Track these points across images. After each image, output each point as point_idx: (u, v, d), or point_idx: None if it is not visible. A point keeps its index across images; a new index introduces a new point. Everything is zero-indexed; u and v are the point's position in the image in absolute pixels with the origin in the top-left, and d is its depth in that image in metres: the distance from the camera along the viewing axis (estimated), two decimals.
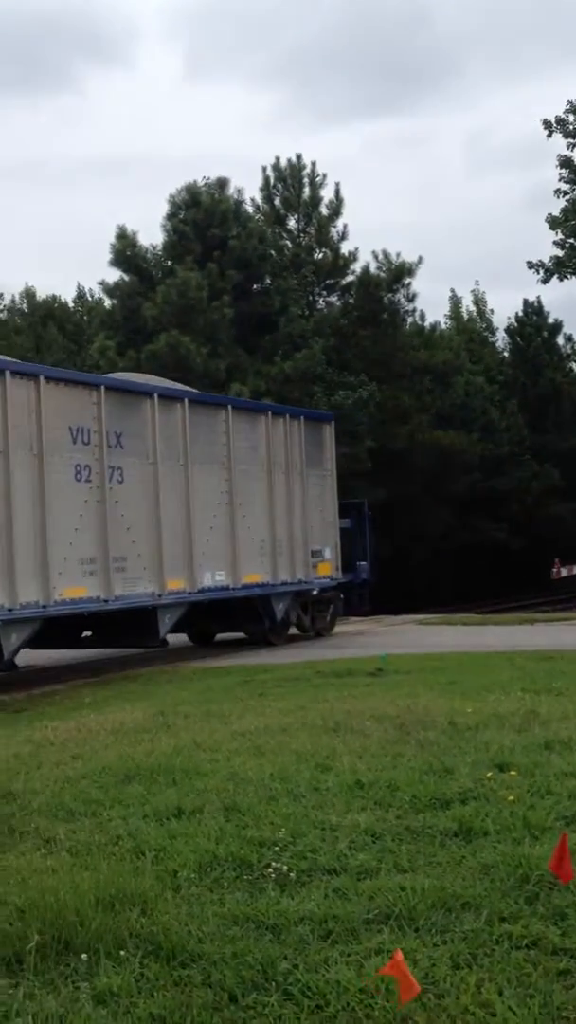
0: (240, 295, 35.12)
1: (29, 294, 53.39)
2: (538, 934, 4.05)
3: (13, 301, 56.59)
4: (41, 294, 52.05)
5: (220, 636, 20.61)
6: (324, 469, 21.35)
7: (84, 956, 3.96)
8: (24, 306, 53.08)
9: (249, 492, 18.54)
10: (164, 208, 36.99)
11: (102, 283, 37.00)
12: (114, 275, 36.59)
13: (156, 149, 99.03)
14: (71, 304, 52.12)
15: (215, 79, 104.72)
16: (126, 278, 36.35)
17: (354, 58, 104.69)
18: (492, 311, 54.80)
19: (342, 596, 22.10)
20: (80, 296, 52.26)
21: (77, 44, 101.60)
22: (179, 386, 19.85)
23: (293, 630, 20.46)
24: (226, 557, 17.70)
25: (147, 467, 16.01)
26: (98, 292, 42.81)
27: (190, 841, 5.39)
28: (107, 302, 38.34)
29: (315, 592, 20.64)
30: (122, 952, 4.01)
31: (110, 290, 36.74)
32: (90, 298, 50.07)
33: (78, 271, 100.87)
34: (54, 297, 52.06)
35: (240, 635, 20.02)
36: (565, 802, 5.83)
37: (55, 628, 15.05)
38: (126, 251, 36.03)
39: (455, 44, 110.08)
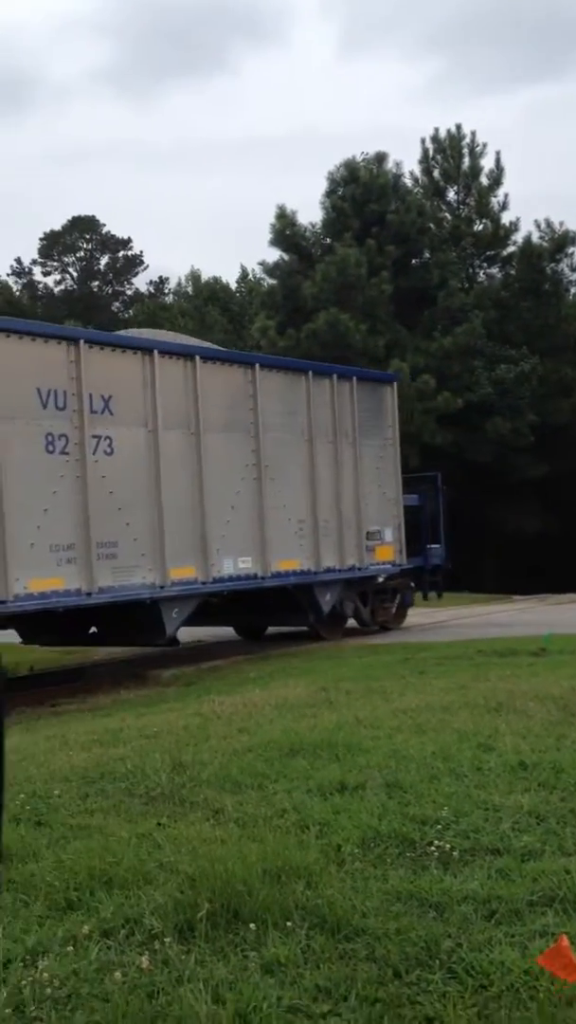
0: (399, 270, 34.87)
1: (194, 277, 54.36)
2: None
3: (179, 284, 57.76)
4: (205, 276, 52.94)
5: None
6: (384, 438, 18.54)
7: (252, 926, 4.05)
8: (189, 289, 54.10)
9: (284, 465, 16.04)
10: (322, 186, 37.07)
11: (262, 263, 37.35)
12: (274, 255, 36.91)
13: (313, 127, 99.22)
14: (233, 285, 52.78)
15: (370, 53, 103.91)
16: (286, 257, 36.57)
17: (510, 22, 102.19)
18: None
19: (412, 584, 19.69)
20: (243, 277, 52.88)
21: (235, 26, 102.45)
22: (194, 341, 18.12)
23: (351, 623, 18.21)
24: (253, 541, 15.23)
25: (143, 436, 13.61)
26: (258, 272, 43.24)
27: (353, 817, 5.45)
28: (267, 282, 38.63)
29: (381, 579, 18.33)
30: (288, 923, 4.09)
31: (270, 270, 37.04)
32: (252, 278, 50.60)
33: (239, 252, 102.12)
34: (215, 279, 52.86)
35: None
36: None
37: (34, 625, 14.11)
38: (285, 230, 36.22)
39: None
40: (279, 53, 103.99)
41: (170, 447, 13.87)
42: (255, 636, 18.49)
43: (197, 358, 14.59)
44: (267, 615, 17.63)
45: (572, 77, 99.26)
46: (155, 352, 13.97)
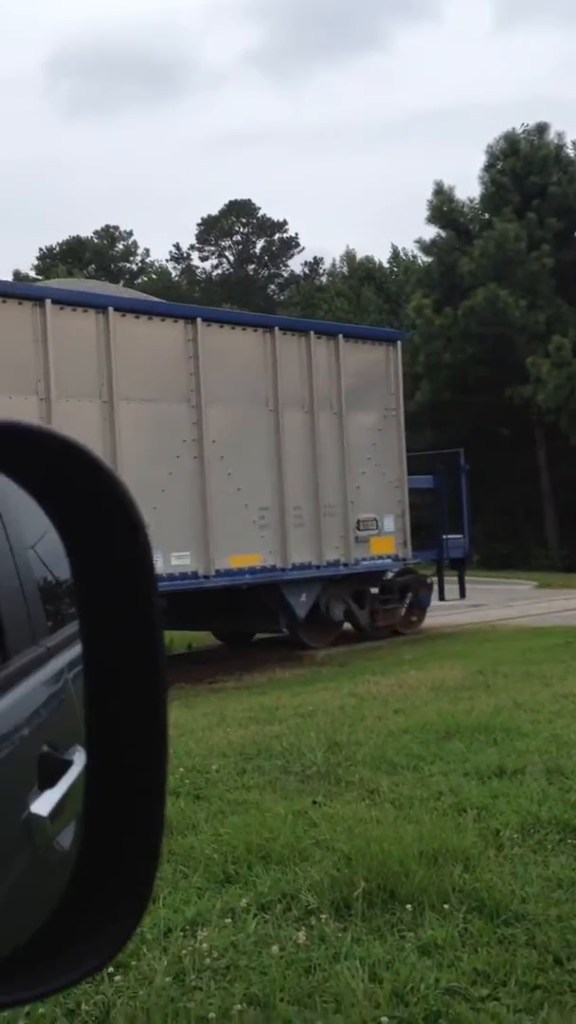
0: (561, 243, 33.93)
1: (349, 257, 54.35)
2: None
3: (333, 265, 57.84)
4: (359, 256, 52.87)
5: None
6: (384, 408, 15.35)
7: (408, 907, 4.01)
8: (344, 269, 54.13)
9: (239, 441, 13.18)
10: (480, 160, 36.40)
11: (418, 241, 36.94)
12: (430, 232, 36.48)
13: (469, 101, 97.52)
14: (386, 264, 52.54)
15: (528, 23, 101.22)
16: (443, 234, 36.08)
17: None
18: None
19: (430, 581, 16.38)
20: (395, 256, 52.57)
21: (386, 3, 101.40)
22: (112, 289, 15.61)
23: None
24: (192, 532, 12.44)
25: (35, 405, 11.30)
26: (412, 251, 42.84)
27: (512, 801, 5.32)
28: (422, 259, 38.19)
29: (390, 575, 15.42)
30: (445, 906, 4.02)
31: (427, 247, 36.61)
32: (404, 257, 50.22)
33: (393, 231, 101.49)
34: (368, 258, 52.70)
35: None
36: None
37: None
38: (443, 206, 35.75)
39: None
40: (432, 28, 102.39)
41: (75, 418, 11.21)
42: (238, 642, 15.80)
43: (111, 310, 12.02)
44: (234, 618, 14.71)
45: None
46: (48, 302, 11.52)
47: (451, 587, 16.73)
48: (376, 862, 4.34)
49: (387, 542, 15.00)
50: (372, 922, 3.94)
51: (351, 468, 14.43)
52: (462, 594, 17.13)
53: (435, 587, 16.36)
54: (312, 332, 14.43)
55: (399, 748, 6.65)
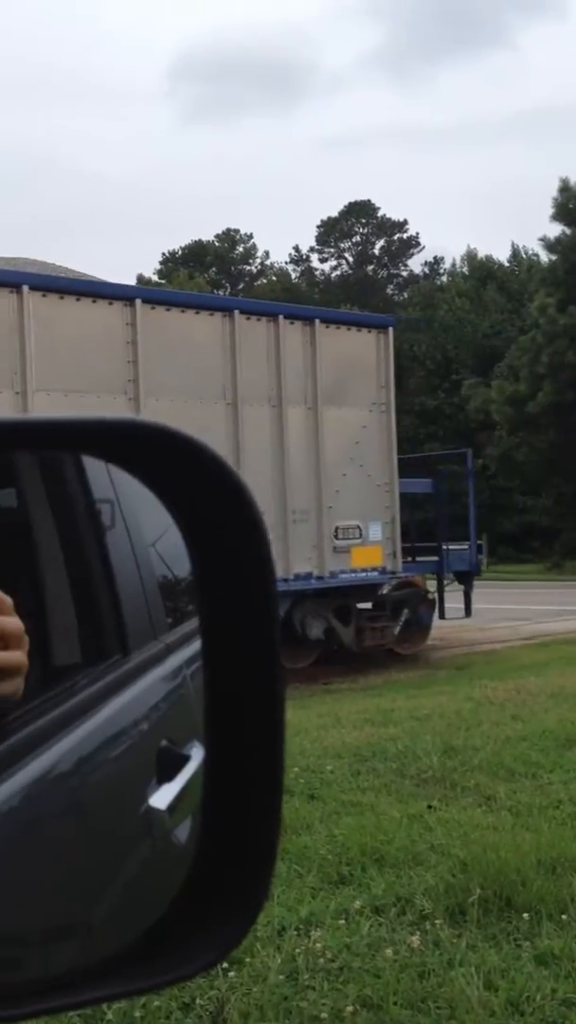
0: None
1: (470, 256, 53.80)
2: None
3: (454, 265, 57.35)
4: (480, 255, 52.32)
5: None
6: (371, 403, 13.63)
7: (525, 915, 3.94)
8: (465, 269, 53.62)
9: None
10: None
11: (543, 239, 36.30)
12: (555, 230, 35.78)
13: None
14: (506, 263, 51.89)
15: None
16: (568, 231, 35.39)
17: None
18: None
19: (431, 595, 14.58)
20: (515, 255, 51.83)
21: (508, 0, 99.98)
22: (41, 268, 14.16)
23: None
24: None
25: None
26: (533, 249, 42.15)
27: None
28: (546, 258, 37.51)
29: (385, 589, 13.76)
30: (564, 916, 3.95)
31: (551, 245, 35.95)
32: (524, 256, 49.48)
33: (516, 230, 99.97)
34: (489, 257, 52.08)
35: None
36: None
37: None
38: (568, 203, 35.05)
39: None
40: (557, 25, 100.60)
41: None
42: None
43: (25, 289, 10.77)
44: None
45: None
46: None
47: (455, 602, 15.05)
48: (492, 869, 4.28)
49: (372, 552, 13.26)
50: (488, 929, 3.88)
51: (327, 469, 12.85)
52: (467, 612, 15.15)
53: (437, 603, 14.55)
54: (282, 316, 12.88)
55: (517, 755, 6.54)
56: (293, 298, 56.88)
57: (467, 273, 52.47)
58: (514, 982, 3.44)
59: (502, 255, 54.02)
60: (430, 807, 5.39)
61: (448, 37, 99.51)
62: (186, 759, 1.10)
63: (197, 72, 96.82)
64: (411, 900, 4.13)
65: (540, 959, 3.65)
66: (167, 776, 1.08)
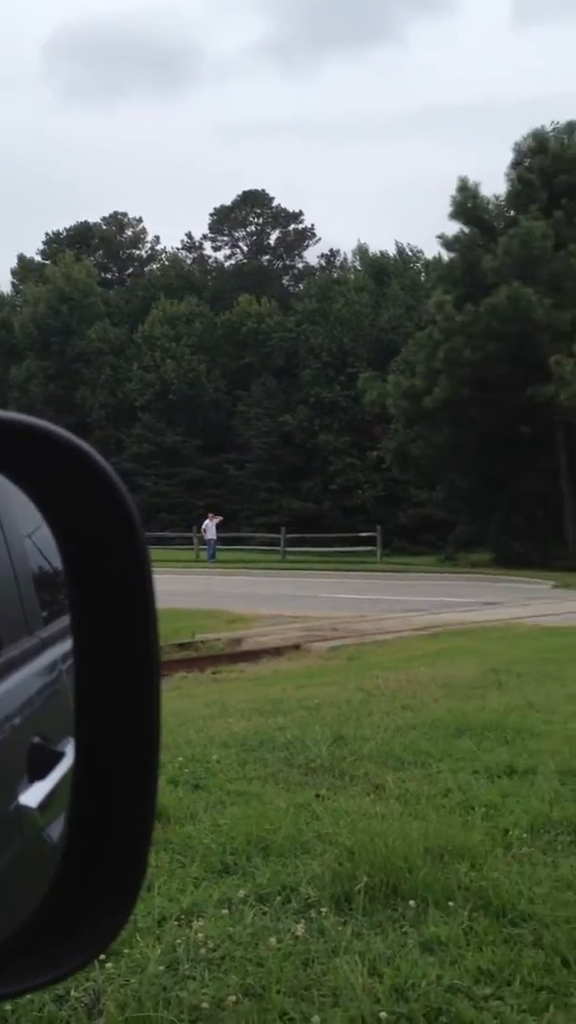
0: None
1: (362, 251, 54.26)
2: None
3: (345, 259, 57.76)
4: (374, 250, 52.83)
5: None
6: None
7: (411, 903, 3.94)
8: (357, 263, 54.03)
9: None
10: (502, 157, 36.33)
11: (441, 237, 36.80)
12: (453, 228, 36.31)
13: (488, 97, 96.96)
14: (396, 258, 52.53)
15: (548, 20, 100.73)
16: (466, 230, 35.93)
17: None
18: None
19: None
20: (400, 252, 52.49)
21: None
22: None
23: None
24: None
25: None
26: (419, 246, 42.73)
27: (522, 801, 5.26)
28: (445, 256, 38.04)
29: None
30: (450, 903, 3.96)
31: (449, 243, 36.45)
32: (409, 253, 50.14)
33: (407, 226, 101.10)
34: (384, 253, 52.64)
35: None
36: None
37: None
38: (467, 203, 35.59)
39: None
40: (448, 22, 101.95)
41: None
42: None
43: None
44: None
45: None
46: None
47: None
48: (380, 857, 4.28)
49: None
50: (373, 917, 3.89)
51: None
52: None
53: None
54: None
55: (407, 744, 6.59)
56: (187, 285, 56.59)
57: (358, 268, 52.92)
58: (399, 969, 3.42)
59: (393, 250, 54.49)
60: (318, 796, 5.38)
61: (336, 30, 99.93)
62: (60, 756, 1.07)
63: (73, 52, 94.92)
64: (296, 889, 4.10)
65: (425, 946, 3.66)
66: (39, 774, 1.04)
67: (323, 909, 3.88)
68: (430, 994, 3.29)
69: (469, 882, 4.15)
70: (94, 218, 66.75)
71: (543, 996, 3.32)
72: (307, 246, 65.75)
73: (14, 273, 65.49)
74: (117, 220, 66.55)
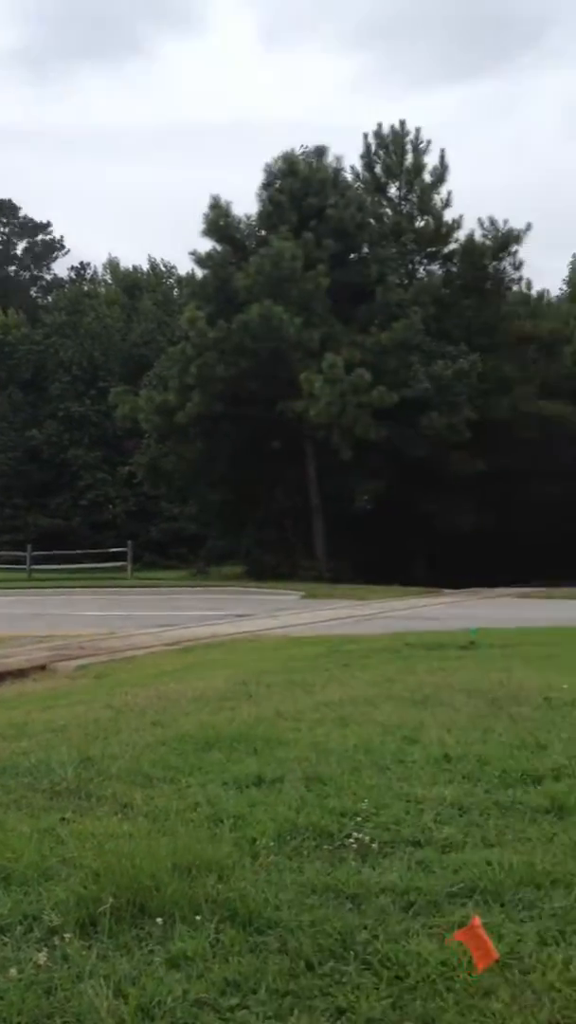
0: (337, 264, 34.88)
1: (112, 265, 53.99)
2: None
3: (96, 272, 57.32)
4: (125, 264, 52.68)
5: None
6: None
7: (159, 920, 3.88)
8: (108, 277, 53.73)
9: None
10: (252, 177, 37.09)
11: (193, 253, 37.09)
12: (206, 245, 36.69)
13: (237, 118, 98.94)
14: (149, 273, 52.67)
15: (295, 46, 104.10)
16: (219, 248, 36.37)
17: (436, 20, 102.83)
18: None
19: None
20: (152, 267, 52.69)
21: (146, 8, 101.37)
22: None
23: None
24: None
25: None
26: (172, 262, 43.05)
27: (270, 809, 5.28)
28: (198, 272, 38.35)
29: None
30: (198, 917, 3.93)
31: (201, 260, 36.78)
32: (163, 268, 50.44)
33: (159, 242, 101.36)
34: (135, 267, 52.61)
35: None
36: None
37: None
38: (219, 221, 36.04)
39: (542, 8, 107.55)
40: (199, 41, 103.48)
41: None
42: None
43: None
44: None
45: (502, 75, 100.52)
46: None
47: None
48: (126, 877, 4.18)
49: None
50: (119, 938, 3.78)
51: None
52: None
53: None
54: None
55: (156, 760, 6.49)
56: None
57: (109, 281, 52.68)
58: (145, 988, 3.37)
59: (145, 265, 54.44)
60: (63, 819, 5.20)
61: (89, 43, 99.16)
62: None
63: None
64: (39, 917, 3.94)
65: (172, 962, 3.60)
66: None
67: (67, 935, 3.77)
68: (176, 1010, 3.27)
69: (217, 894, 4.12)
70: None
71: (288, 1001, 3.34)
72: (56, 257, 64.71)
73: None
74: None
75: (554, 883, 4.18)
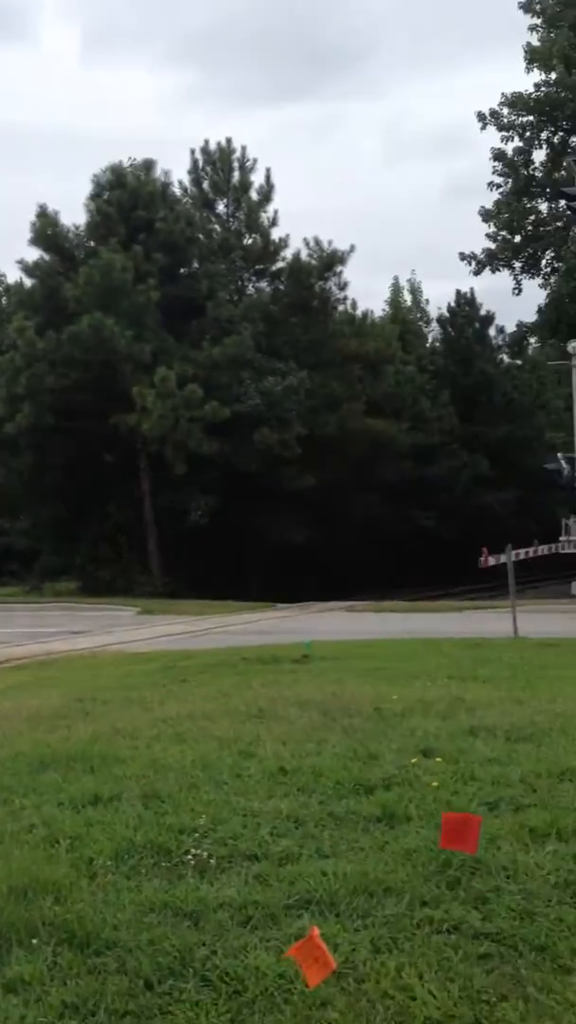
0: (167, 278, 34.81)
1: None
2: (459, 918, 4.01)
3: None
4: None
5: None
6: None
7: None
8: None
9: None
10: (80, 186, 36.60)
11: (20, 262, 36.34)
12: (34, 254, 36.06)
13: (59, 128, 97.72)
14: None
15: (120, 58, 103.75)
16: (47, 257, 35.81)
17: (261, 41, 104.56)
18: (428, 301, 55.36)
19: None
20: None
21: None
22: None
23: None
24: None
25: None
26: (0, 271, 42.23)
27: (107, 829, 5.26)
28: (26, 281, 37.54)
29: None
30: (34, 940, 3.89)
31: (29, 269, 36.11)
32: None
33: None
34: None
35: None
36: (488, 788, 5.82)
37: None
38: (47, 230, 35.48)
39: (367, 31, 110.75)
40: (25, 47, 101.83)
41: None
42: None
43: None
44: None
45: (326, 98, 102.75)
46: None
47: None
48: None
49: None
50: None
51: None
52: None
53: None
54: None
55: None
56: None
57: None
58: None
59: None
60: None
61: None
62: None
63: None
64: None
65: (9, 987, 3.56)
66: None
67: None
68: None
69: (54, 916, 4.10)
70: None
71: (127, 1021, 3.36)
72: None
73: None
74: None
75: (386, 891, 4.31)
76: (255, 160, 39.43)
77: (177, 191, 38.34)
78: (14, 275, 42.66)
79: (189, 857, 4.78)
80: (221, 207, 39.75)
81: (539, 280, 41.52)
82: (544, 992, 3.45)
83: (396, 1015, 3.35)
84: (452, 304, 51.03)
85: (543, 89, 39.21)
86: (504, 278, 50.35)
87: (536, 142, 39.88)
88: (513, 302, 75.24)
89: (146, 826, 5.26)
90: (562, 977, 3.56)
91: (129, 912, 4.16)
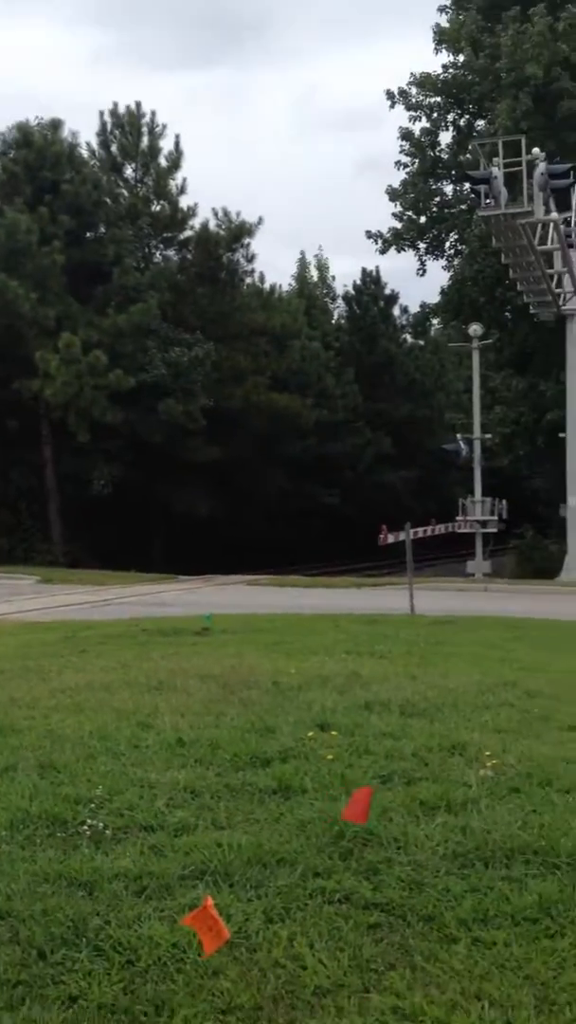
0: (73, 242, 34.20)
1: None
2: (350, 889, 4.11)
3: None
4: None
5: None
6: None
7: None
8: None
9: None
10: None
11: None
12: None
13: None
14: None
15: (28, 14, 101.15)
16: None
17: (171, 3, 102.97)
18: (334, 277, 55.54)
19: None
20: None
21: None
22: None
23: None
24: None
25: None
26: None
27: (2, 799, 5.24)
28: None
29: None
30: None
31: None
32: None
33: None
34: None
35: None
36: (382, 761, 5.94)
37: None
38: None
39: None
40: None
41: None
42: None
43: None
44: None
45: (236, 67, 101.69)
46: None
47: None
48: None
49: None
50: None
51: None
52: None
53: None
54: None
55: None
56: None
57: None
58: None
59: None
60: None
61: None
62: None
63: None
64: None
65: None
66: None
67: None
68: None
69: None
70: None
71: (19, 991, 3.37)
72: None
73: None
74: None
75: (280, 862, 4.38)
76: (164, 126, 38.89)
77: (85, 154, 37.61)
78: None
79: (85, 828, 4.79)
80: (129, 171, 39.09)
81: (443, 262, 41.89)
82: (431, 961, 3.56)
83: (287, 984, 3.42)
84: (358, 282, 51.32)
85: (451, 71, 39.36)
86: (409, 258, 50.87)
87: (443, 124, 40.06)
88: (417, 283, 76.09)
89: (42, 796, 5.25)
90: (448, 946, 3.67)
91: (23, 882, 4.16)
